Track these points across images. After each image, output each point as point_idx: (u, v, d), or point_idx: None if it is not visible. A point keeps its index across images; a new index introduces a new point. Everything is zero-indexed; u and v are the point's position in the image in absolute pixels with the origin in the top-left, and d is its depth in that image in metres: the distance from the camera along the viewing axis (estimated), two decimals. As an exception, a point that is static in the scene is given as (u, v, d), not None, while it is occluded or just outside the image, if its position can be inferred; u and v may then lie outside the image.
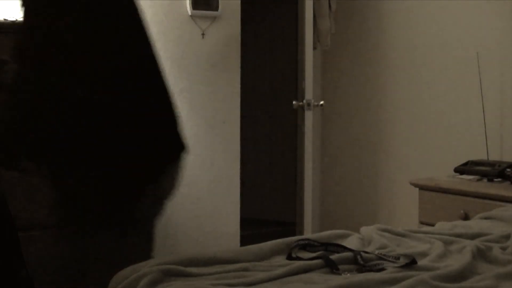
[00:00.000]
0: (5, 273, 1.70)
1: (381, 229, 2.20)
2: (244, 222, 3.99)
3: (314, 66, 3.94)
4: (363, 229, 2.22)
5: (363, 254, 1.87)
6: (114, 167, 1.65)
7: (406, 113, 4.17)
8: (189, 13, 3.55)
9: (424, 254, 1.96)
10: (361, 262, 1.83)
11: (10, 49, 1.77)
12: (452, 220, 2.69)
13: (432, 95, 3.95)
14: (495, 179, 3.18)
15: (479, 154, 3.48)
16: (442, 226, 2.40)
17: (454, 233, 2.22)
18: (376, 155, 4.43)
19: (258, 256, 1.94)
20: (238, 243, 3.72)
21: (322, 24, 4.38)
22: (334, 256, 1.87)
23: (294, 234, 3.32)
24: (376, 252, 1.93)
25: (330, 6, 4.42)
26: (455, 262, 1.86)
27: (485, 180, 3.20)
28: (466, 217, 2.95)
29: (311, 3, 3.84)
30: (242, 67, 3.77)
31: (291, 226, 4.28)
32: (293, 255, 1.94)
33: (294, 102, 3.83)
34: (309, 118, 3.80)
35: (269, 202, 5.56)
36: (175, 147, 1.82)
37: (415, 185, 3.33)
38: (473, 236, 2.18)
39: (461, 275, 1.77)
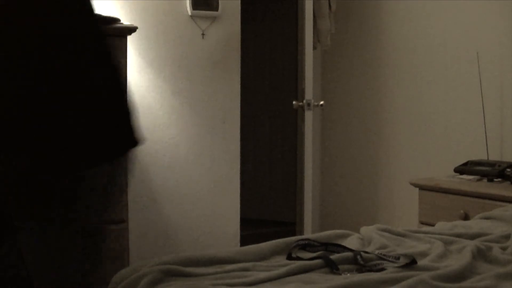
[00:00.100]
0: (5, 272, 1.69)
1: (381, 229, 2.20)
2: (244, 222, 3.99)
3: (314, 66, 3.93)
4: (363, 229, 2.22)
5: (363, 254, 1.87)
6: (45, 161, 1.58)
7: (406, 113, 4.17)
8: (189, 13, 3.55)
9: (424, 254, 1.96)
10: (361, 262, 1.83)
11: None
12: (452, 220, 2.69)
13: (432, 95, 3.95)
14: (495, 179, 3.18)
15: (479, 154, 3.48)
16: (442, 226, 2.40)
17: (454, 233, 2.22)
18: (376, 155, 4.43)
19: (258, 256, 1.94)
20: (238, 243, 3.72)
21: (322, 24, 4.38)
22: (334, 256, 1.87)
23: (294, 234, 3.32)
24: (376, 252, 1.93)
25: (330, 6, 4.42)
26: (455, 262, 1.86)
27: (485, 180, 3.20)
28: (466, 217, 2.95)
29: (311, 3, 3.84)
30: (242, 67, 3.77)
31: (291, 226, 4.28)
32: (293, 255, 1.94)
33: (294, 102, 3.83)
34: (309, 118, 3.80)
35: (269, 202, 5.56)
36: (123, 143, 1.73)
37: (415, 185, 3.33)
38: (473, 236, 2.18)
39: (461, 275, 1.77)
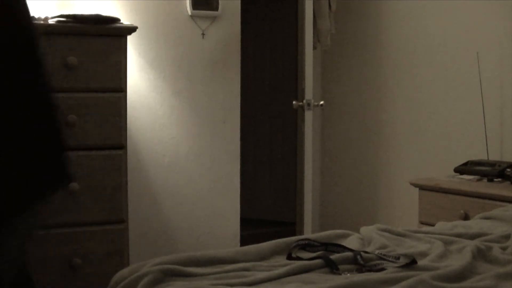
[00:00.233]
0: (5, 272, 1.66)
1: (381, 229, 2.20)
2: (244, 222, 3.99)
3: (314, 66, 3.93)
4: (363, 229, 2.22)
5: (363, 254, 1.87)
6: None
7: (406, 113, 4.17)
8: (189, 13, 3.55)
9: (424, 254, 1.96)
10: (361, 262, 1.83)
11: None
12: (452, 220, 2.69)
13: (432, 95, 3.95)
14: (495, 179, 3.18)
15: (479, 154, 3.48)
16: (442, 226, 2.40)
17: (454, 233, 2.22)
18: (376, 155, 4.43)
19: (258, 256, 1.94)
20: (238, 243, 3.72)
21: (322, 24, 4.38)
22: (334, 256, 1.87)
23: (294, 234, 3.32)
24: (376, 252, 1.93)
25: (330, 6, 4.42)
26: (455, 262, 1.86)
27: (485, 180, 3.20)
28: (466, 217, 2.95)
29: (311, 3, 3.84)
30: (242, 67, 3.77)
31: (291, 226, 4.28)
32: (293, 255, 1.94)
33: (294, 102, 3.83)
34: (309, 118, 3.80)
35: (269, 202, 5.56)
36: (49, 179, 1.56)
37: (415, 185, 3.33)
38: (473, 236, 2.18)
39: (461, 275, 1.77)
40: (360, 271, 1.81)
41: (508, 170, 3.14)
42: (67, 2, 3.18)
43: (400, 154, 4.22)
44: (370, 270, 1.80)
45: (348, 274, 1.77)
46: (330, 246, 1.99)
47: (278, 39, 5.45)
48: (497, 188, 3.01)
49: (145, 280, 1.67)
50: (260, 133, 5.60)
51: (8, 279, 1.52)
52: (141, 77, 3.46)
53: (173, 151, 3.57)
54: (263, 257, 1.95)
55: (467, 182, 3.20)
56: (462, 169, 3.34)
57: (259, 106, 5.56)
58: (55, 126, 1.55)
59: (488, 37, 3.60)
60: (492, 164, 3.26)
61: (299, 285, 1.66)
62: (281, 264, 1.85)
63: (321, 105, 3.91)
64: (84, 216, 2.87)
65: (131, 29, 3.00)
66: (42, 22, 2.87)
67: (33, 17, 1.46)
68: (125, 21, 3.21)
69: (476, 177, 3.24)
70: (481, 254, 1.96)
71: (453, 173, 3.39)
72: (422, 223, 3.22)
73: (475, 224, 2.40)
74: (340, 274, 1.78)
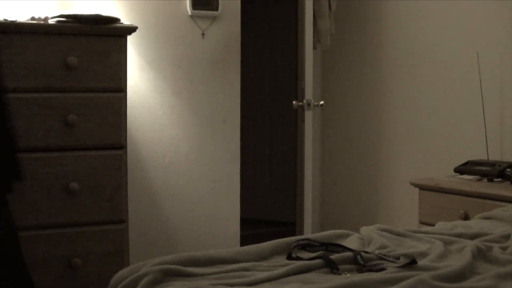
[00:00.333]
0: (6, 272, 1.67)
1: (381, 229, 2.20)
2: (244, 222, 4.00)
3: (314, 66, 3.93)
4: (363, 229, 2.22)
5: (363, 254, 1.87)
6: None
7: (406, 113, 4.17)
8: (189, 13, 3.55)
9: (424, 254, 1.96)
10: (361, 262, 1.83)
11: None
12: (452, 220, 2.69)
13: (432, 95, 3.95)
14: (495, 179, 3.18)
15: (479, 154, 3.48)
16: (442, 226, 2.41)
17: (454, 233, 2.22)
18: (376, 155, 4.43)
19: (258, 256, 1.94)
20: (238, 243, 3.72)
21: (322, 24, 4.38)
22: (334, 256, 1.87)
23: (294, 234, 3.32)
24: (376, 252, 1.93)
25: (330, 6, 4.42)
26: (455, 262, 1.86)
27: (485, 180, 3.20)
28: (466, 217, 2.95)
29: (311, 3, 3.83)
30: (242, 67, 3.77)
31: (291, 226, 4.28)
32: (293, 255, 1.94)
33: (294, 102, 3.83)
34: (309, 118, 3.80)
35: (269, 202, 5.56)
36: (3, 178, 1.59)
37: (415, 185, 3.33)
38: (473, 236, 2.18)
39: (461, 275, 1.77)
40: (360, 271, 1.81)
41: (508, 170, 3.14)
42: (67, 2, 3.18)
43: (400, 154, 4.22)
44: (370, 270, 1.80)
45: (348, 274, 1.77)
46: (330, 246, 1.99)
47: (278, 39, 5.45)
48: (497, 188, 3.01)
49: (145, 280, 1.67)
50: (260, 133, 5.60)
51: None
52: (141, 77, 3.46)
53: (173, 151, 3.57)
54: (263, 257, 1.95)
55: (467, 182, 3.20)
56: (462, 169, 3.35)
57: (259, 106, 5.56)
58: (5, 125, 1.57)
59: (488, 37, 3.60)
60: (492, 164, 3.26)
61: (299, 285, 1.66)
62: (281, 264, 1.85)
63: (321, 105, 3.91)
64: (84, 216, 2.87)
65: (131, 29, 3.00)
66: (42, 22, 2.87)
67: None
68: (125, 21, 3.21)
69: (476, 177, 3.24)
70: (481, 254, 1.96)
71: (453, 173, 3.39)
72: (422, 223, 3.22)
73: (475, 224, 2.40)
74: (340, 274, 1.78)
